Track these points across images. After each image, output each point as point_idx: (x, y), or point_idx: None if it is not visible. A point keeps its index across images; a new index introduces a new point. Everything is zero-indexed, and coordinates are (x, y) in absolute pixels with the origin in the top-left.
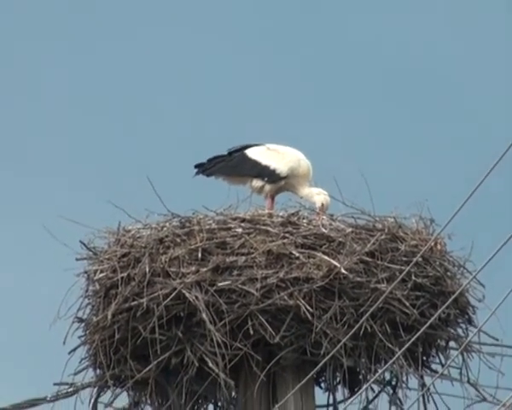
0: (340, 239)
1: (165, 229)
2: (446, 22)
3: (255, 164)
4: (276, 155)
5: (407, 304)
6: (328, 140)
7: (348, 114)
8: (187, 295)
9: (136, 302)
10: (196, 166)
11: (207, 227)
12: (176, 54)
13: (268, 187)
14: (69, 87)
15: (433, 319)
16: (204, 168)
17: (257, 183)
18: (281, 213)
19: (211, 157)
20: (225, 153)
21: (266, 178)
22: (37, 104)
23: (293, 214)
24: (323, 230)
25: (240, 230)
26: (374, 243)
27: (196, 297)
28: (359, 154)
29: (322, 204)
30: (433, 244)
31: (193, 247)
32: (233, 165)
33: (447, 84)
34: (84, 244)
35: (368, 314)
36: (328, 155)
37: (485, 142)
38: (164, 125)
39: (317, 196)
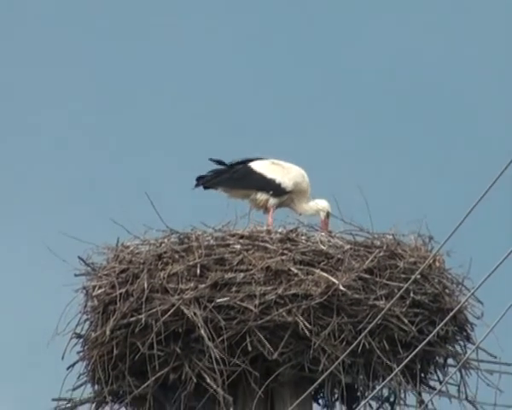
0: (339, 256)
1: (163, 245)
2: (450, 42)
3: (260, 177)
4: (280, 170)
5: (405, 321)
6: (326, 157)
7: (347, 130)
8: (185, 311)
9: (134, 318)
10: (198, 179)
11: (206, 243)
12: (174, 70)
13: (272, 201)
14: (67, 104)
15: (431, 335)
16: (206, 180)
17: (262, 196)
18: (279, 230)
19: (213, 169)
20: (224, 167)
21: (271, 192)
22: (36, 120)
23: (291, 231)
24: (322, 246)
25: (238, 246)
26: (372, 260)
27: (195, 313)
28: (358, 170)
29: (328, 213)
30: (431, 261)
31: (191, 263)
32: (237, 177)
33: (446, 100)
34: (83, 260)
35: (366, 331)
36: (327, 172)
37: (483, 158)
38: (162, 141)
39: (320, 206)
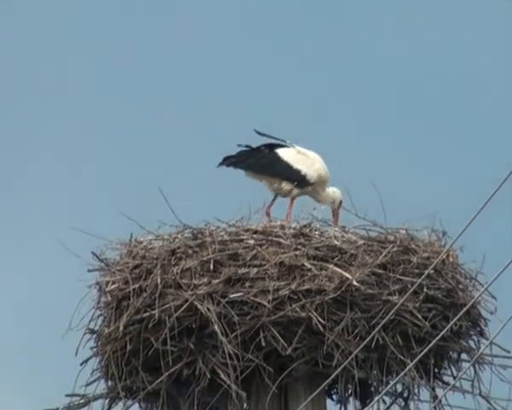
0: (352, 251)
1: (177, 240)
2: (463, 38)
3: (287, 166)
4: (306, 160)
5: (419, 316)
6: (340, 152)
7: (361, 126)
8: (199, 306)
9: (147, 314)
10: (225, 159)
11: (219, 239)
12: (185, 64)
13: (296, 191)
14: (79, 101)
15: (444, 331)
16: (231, 162)
17: (286, 185)
18: (293, 225)
19: (240, 151)
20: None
21: (296, 183)
22: (48, 116)
23: (305, 226)
24: (336, 241)
25: (252, 241)
26: (386, 255)
27: (208, 309)
28: (371, 165)
29: (341, 202)
30: (445, 256)
31: (205, 258)
32: (264, 164)
33: (459, 95)
34: (96, 256)
35: (380, 326)
36: (341, 166)
37: (497, 153)
38: (175, 136)
39: (335, 195)
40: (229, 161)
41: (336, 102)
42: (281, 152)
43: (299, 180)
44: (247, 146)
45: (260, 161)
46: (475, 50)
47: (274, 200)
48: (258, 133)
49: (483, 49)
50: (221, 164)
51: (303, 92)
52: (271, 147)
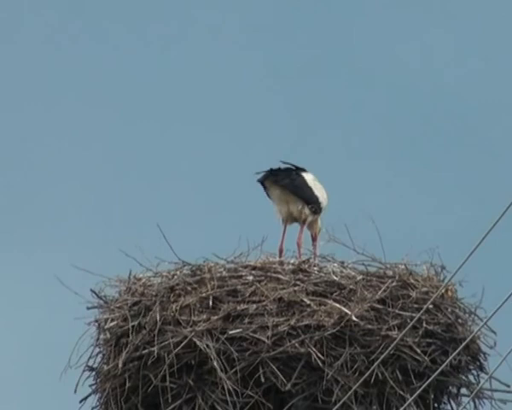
0: (351, 286)
1: (175, 277)
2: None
3: (311, 192)
4: (320, 189)
5: (418, 351)
6: (338, 188)
7: (360, 161)
8: (198, 343)
9: (146, 351)
10: (268, 171)
11: (218, 275)
12: (183, 106)
13: (310, 217)
14: (79, 136)
15: (444, 365)
16: (270, 177)
17: (307, 210)
18: (292, 261)
19: (270, 169)
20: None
21: (314, 209)
22: (48, 154)
23: (304, 262)
24: (334, 277)
25: (251, 277)
26: (385, 291)
27: (207, 345)
28: (370, 201)
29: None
30: (444, 291)
31: (204, 295)
32: (297, 185)
33: (460, 131)
34: (95, 293)
35: (379, 361)
36: (339, 202)
37: (495, 188)
38: (173, 173)
39: (321, 222)
40: (268, 176)
41: (337, 137)
42: (306, 176)
43: (316, 207)
44: (271, 170)
45: (294, 182)
46: (480, 85)
47: (302, 229)
48: (284, 163)
49: (488, 85)
50: (262, 178)
51: (306, 126)
52: (296, 170)
